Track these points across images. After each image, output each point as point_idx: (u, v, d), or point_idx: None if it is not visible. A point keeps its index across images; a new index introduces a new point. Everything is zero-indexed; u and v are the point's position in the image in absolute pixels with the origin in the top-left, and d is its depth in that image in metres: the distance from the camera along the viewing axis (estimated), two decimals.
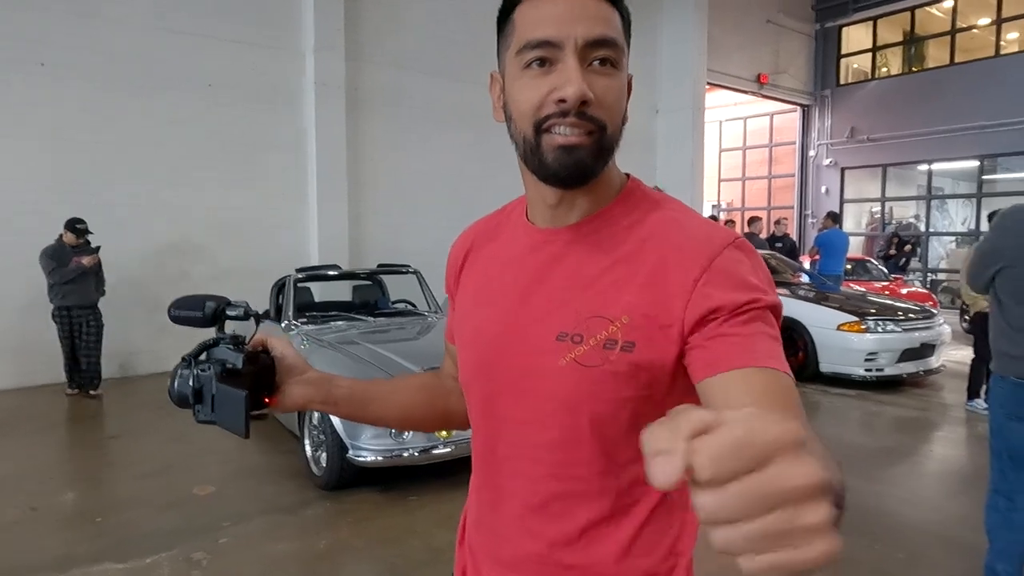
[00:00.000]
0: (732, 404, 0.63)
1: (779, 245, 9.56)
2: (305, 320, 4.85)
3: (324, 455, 3.72)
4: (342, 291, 6.51)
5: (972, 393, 5.61)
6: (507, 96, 0.77)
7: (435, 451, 3.56)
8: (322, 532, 3.29)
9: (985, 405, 5.45)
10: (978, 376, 5.57)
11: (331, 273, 5.61)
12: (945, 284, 12.65)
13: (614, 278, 0.75)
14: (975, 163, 12.95)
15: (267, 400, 0.86)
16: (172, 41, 6.99)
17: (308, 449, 3.90)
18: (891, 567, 2.92)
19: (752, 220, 9.76)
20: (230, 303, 0.86)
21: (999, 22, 12.62)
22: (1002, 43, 12.68)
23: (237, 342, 0.82)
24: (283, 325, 4.80)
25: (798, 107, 14.99)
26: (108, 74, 6.66)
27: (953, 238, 13.85)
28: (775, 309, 0.71)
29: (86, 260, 5.65)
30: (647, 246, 0.75)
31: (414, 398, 1.01)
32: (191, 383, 0.80)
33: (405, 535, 3.23)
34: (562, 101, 0.70)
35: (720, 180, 16.97)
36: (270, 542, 3.19)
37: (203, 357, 0.82)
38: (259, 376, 0.83)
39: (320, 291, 6.37)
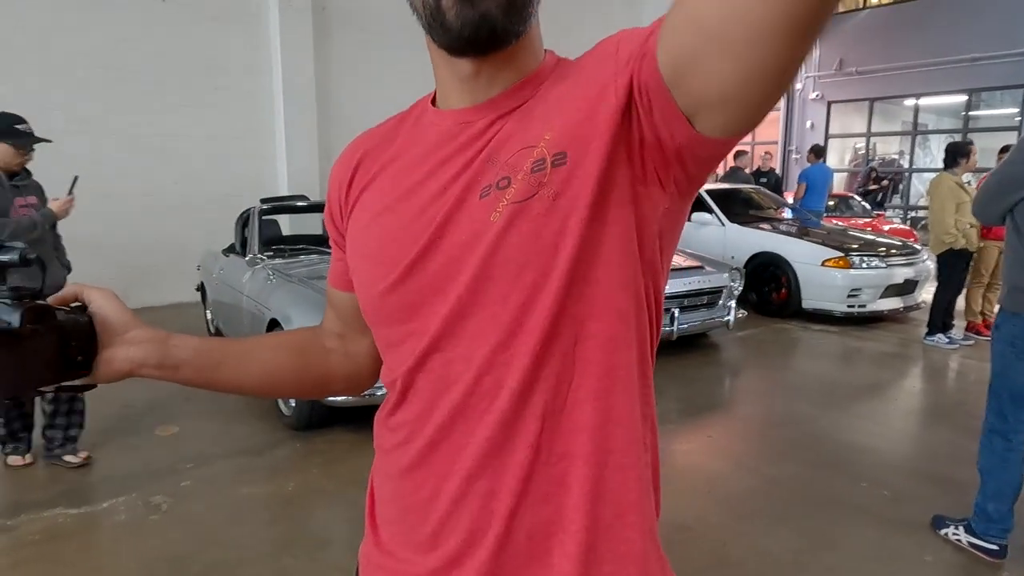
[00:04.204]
0: None
1: (764, 180, 9.37)
2: (272, 254, 4.59)
3: None
4: (314, 224, 6.21)
5: (933, 327, 5.56)
6: None
7: None
8: (291, 474, 3.15)
9: (947, 340, 5.44)
10: (938, 311, 5.52)
11: (300, 204, 5.30)
12: (925, 221, 12.63)
13: (530, 117, 0.63)
14: (961, 98, 12.76)
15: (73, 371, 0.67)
16: None
17: None
18: (877, 505, 2.86)
19: (738, 154, 9.51)
20: (1, 246, 0.66)
21: None
22: None
23: (16, 295, 0.63)
24: (248, 259, 4.54)
25: None
26: None
27: (933, 175, 13.78)
28: None
29: (56, 205, 3.09)
30: (558, 81, 0.64)
31: (280, 360, 0.82)
32: None
33: None
34: None
35: None
36: (235, 485, 3.04)
37: None
38: (64, 337, 0.66)
39: (290, 224, 6.06)
